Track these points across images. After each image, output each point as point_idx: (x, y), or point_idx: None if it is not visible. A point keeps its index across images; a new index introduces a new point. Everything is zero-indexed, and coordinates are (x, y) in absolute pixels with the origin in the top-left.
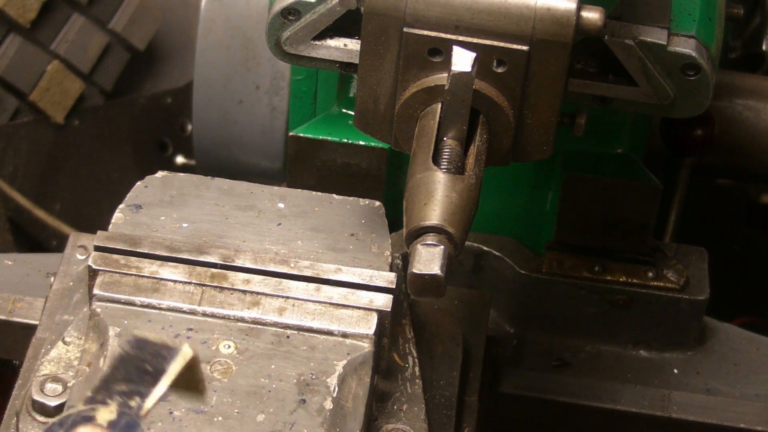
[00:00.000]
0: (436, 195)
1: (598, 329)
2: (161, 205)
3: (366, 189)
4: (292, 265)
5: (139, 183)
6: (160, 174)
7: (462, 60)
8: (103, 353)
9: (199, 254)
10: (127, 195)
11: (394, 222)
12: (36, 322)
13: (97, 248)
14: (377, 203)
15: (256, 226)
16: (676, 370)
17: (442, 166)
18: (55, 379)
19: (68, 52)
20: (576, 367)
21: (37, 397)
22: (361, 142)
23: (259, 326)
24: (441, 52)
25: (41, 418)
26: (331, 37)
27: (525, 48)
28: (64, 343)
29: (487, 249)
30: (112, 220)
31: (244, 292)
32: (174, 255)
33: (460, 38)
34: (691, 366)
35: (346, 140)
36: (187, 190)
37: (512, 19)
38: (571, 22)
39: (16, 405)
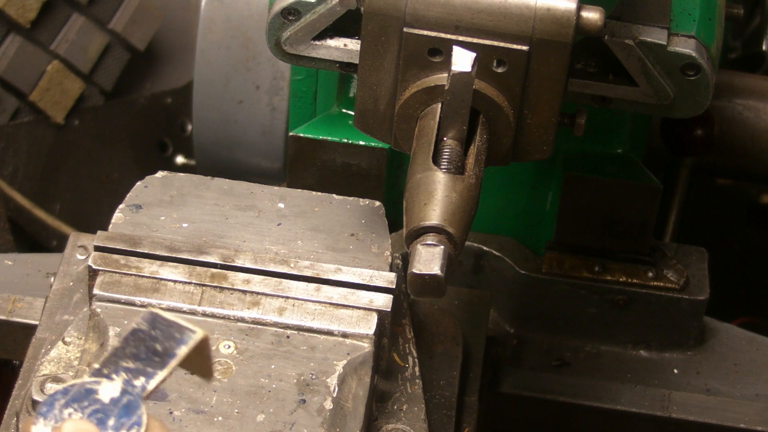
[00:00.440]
0: (436, 195)
1: (598, 329)
2: (161, 205)
3: (366, 189)
4: (292, 265)
5: (139, 183)
6: (160, 174)
7: (462, 60)
8: (104, 353)
9: (199, 254)
10: (127, 195)
11: (394, 222)
12: (36, 322)
13: (97, 248)
14: (377, 203)
15: (256, 226)
16: (676, 370)
17: (442, 166)
18: (55, 379)
19: (68, 52)
20: (576, 367)
21: (37, 397)
22: (361, 142)
23: (259, 326)
24: (441, 52)
25: None
26: (331, 37)
27: (525, 48)
28: (64, 343)
29: (487, 249)
30: (112, 220)
31: (244, 292)
32: (174, 255)
33: (460, 38)
34: (691, 366)
35: (346, 140)
36: (187, 190)
37: (512, 19)
38: (571, 22)
39: (16, 405)
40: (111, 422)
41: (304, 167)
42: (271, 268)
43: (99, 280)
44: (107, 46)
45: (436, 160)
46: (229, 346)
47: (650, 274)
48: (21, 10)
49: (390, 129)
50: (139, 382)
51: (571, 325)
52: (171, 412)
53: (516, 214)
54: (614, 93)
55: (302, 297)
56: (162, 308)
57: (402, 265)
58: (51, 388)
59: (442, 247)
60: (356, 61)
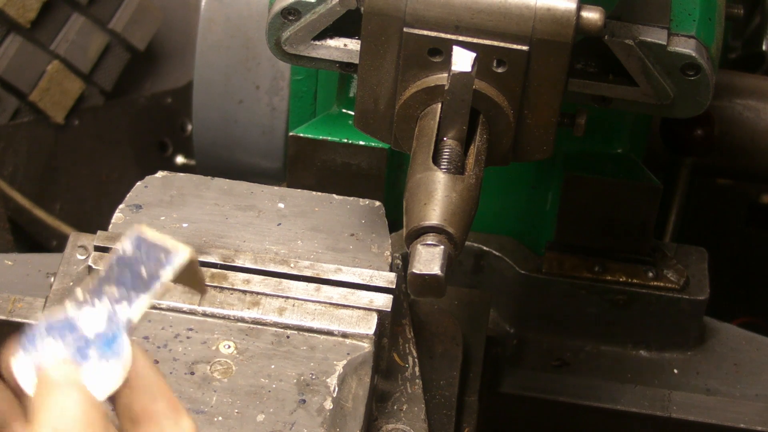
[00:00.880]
0: (436, 195)
1: (598, 329)
2: (161, 205)
3: (366, 189)
4: (292, 265)
5: (139, 183)
6: (160, 174)
7: (462, 60)
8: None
9: (199, 254)
10: (127, 195)
11: (394, 222)
12: (36, 322)
13: (97, 248)
14: (377, 203)
15: (256, 226)
16: (676, 370)
17: (442, 166)
18: None
19: (68, 52)
20: (576, 367)
21: None
22: (361, 142)
23: (259, 326)
24: (441, 52)
25: None
26: (331, 37)
27: (525, 48)
28: None
29: (487, 249)
30: (112, 220)
31: (244, 292)
32: None
33: (460, 38)
34: (691, 366)
35: (346, 140)
36: (187, 190)
37: (512, 19)
38: (571, 22)
39: None
40: (93, 354)
41: (304, 167)
42: (271, 268)
43: None
44: (107, 46)
45: (436, 160)
46: (229, 346)
47: (650, 274)
48: (21, 10)
49: (390, 129)
50: (122, 309)
51: (571, 325)
52: None
53: (516, 214)
54: (614, 93)
55: (302, 297)
56: (162, 308)
57: (402, 265)
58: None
59: (442, 247)
60: (356, 61)
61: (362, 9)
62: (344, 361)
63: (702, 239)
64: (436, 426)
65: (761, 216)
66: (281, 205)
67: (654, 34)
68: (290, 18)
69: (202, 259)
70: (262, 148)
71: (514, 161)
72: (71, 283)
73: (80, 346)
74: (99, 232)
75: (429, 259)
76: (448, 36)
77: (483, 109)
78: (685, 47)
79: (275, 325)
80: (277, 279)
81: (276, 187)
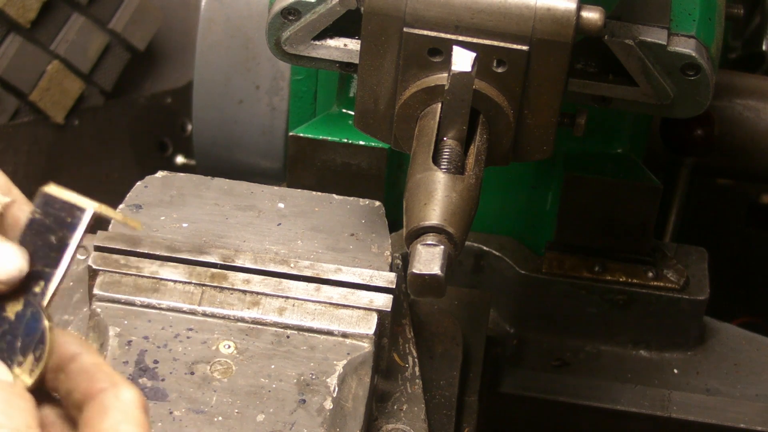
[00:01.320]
0: (436, 195)
1: (598, 329)
2: (161, 205)
3: (366, 189)
4: (292, 265)
5: (139, 183)
6: (160, 174)
7: (462, 60)
8: (104, 353)
9: (199, 254)
10: (127, 195)
11: (394, 222)
12: None
13: (97, 248)
14: (377, 203)
15: (256, 226)
16: (676, 370)
17: (442, 166)
18: None
19: (68, 52)
20: (576, 367)
21: None
22: (361, 142)
23: (259, 326)
24: (441, 52)
25: None
26: (331, 37)
27: (525, 48)
28: None
29: (487, 249)
30: (112, 220)
31: (244, 292)
32: (174, 255)
33: (460, 38)
34: (691, 366)
35: (346, 140)
36: (187, 190)
37: (512, 19)
38: (571, 22)
39: None
40: (19, 344)
41: (304, 167)
42: (271, 268)
43: (99, 280)
44: (107, 46)
45: (436, 160)
46: (229, 346)
47: (650, 274)
48: (21, 10)
49: (390, 129)
50: (38, 287)
51: (571, 325)
52: (171, 412)
53: (516, 214)
54: (614, 93)
55: (302, 297)
56: (162, 308)
57: (402, 265)
58: None
59: (442, 247)
60: (356, 61)
61: (362, 9)
62: (344, 361)
63: (702, 239)
64: (436, 426)
65: (761, 216)
66: (281, 205)
67: (654, 34)
68: (290, 18)
69: (202, 259)
70: (262, 148)
71: (514, 161)
72: (71, 283)
73: (9, 339)
74: (99, 232)
75: (429, 259)
76: (448, 36)
77: (483, 109)
78: (685, 47)
79: (275, 325)
80: (277, 279)
81: (276, 187)
